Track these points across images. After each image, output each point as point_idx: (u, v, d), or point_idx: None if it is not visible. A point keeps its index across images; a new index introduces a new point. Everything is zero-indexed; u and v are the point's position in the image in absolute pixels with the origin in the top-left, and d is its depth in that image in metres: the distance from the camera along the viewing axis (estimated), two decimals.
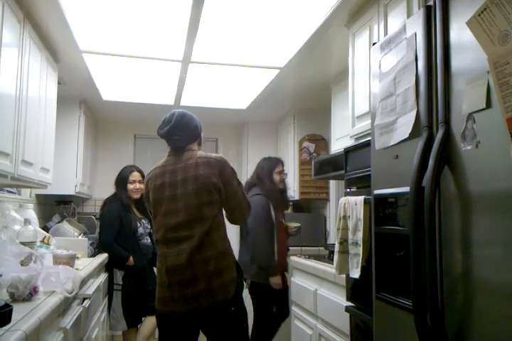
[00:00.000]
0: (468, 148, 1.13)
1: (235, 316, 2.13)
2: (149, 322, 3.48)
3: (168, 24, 2.54)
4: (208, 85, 3.73)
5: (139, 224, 3.50)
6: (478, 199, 1.11)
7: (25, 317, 1.40)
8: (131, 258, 3.34)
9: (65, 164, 3.80)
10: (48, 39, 2.76)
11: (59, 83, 3.22)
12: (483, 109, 1.09)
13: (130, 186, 3.50)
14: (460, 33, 1.19)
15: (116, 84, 3.79)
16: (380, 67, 1.62)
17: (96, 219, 4.18)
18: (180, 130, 2.26)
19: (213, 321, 2.10)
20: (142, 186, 3.53)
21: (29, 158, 2.45)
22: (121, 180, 3.53)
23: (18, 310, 1.42)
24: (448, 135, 1.21)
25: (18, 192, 3.29)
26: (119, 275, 3.38)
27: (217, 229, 2.16)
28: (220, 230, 2.18)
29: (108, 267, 3.41)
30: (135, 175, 3.54)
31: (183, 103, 4.22)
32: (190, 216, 2.12)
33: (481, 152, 1.10)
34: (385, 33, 2.15)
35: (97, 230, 4.07)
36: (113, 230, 3.36)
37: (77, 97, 4.03)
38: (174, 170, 2.21)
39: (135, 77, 3.53)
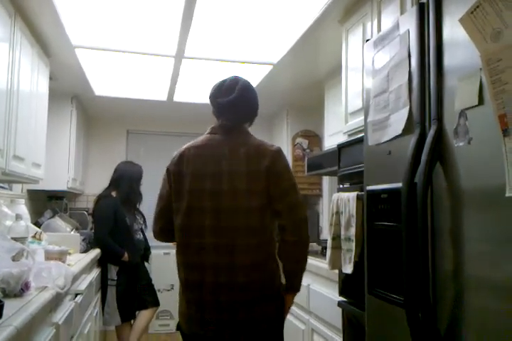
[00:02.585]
0: (461, 144, 1.14)
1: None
2: (143, 317, 3.49)
3: (162, 19, 2.53)
4: (202, 81, 3.72)
5: (133, 220, 3.52)
6: (470, 195, 1.12)
7: (16, 313, 1.39)
8: (126, 254, 3.34)
9: (56, 159, 3.78)
10: (40, 34, 2.74)
11: (50, 78, 3.19)
12: (476, 106, 1.09)
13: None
14: (453, 30, 1.20)
15: (108, 80, 3.77)
16: (373, 63, 1.62)
17: (88, 214, 4.17)
18: (242, 105, 1.84)
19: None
20: None
21: (20, 153, 2.43)
22: (138, 177, 3.60)
23: (10, 306, 1.41)
24: (440, 131, 1.22)
25: (10, 188, 3.27)
26: (113, 271, 3.38)
27: (268, 244, 1.76)
28: (270, 246, 1.77)
29: (102, 262, 3.41)
30: None
31: (176, 99, 4.21)
32: (234, 222, 1.70)
33: (473, 148, 1.10)
34: (379, 30, 2.15)
35: (90, 226, 4.07)
36: (108, 225, 3.35)
37: (69, 92, 4.00)
38: (218, 155, 1.75)
39: (128, 73, 3.51)
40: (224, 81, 1.88)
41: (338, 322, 2.24)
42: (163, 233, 1.90)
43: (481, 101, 1.08)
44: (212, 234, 1.71)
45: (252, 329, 1.70)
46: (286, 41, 2.84)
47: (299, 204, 1.80)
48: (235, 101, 1.81)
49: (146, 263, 3.68)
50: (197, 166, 1.77)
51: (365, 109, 1.66)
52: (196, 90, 3.99)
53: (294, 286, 1.83)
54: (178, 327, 1.84)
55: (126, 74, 3.55)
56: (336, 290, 2.28)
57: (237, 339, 1.70)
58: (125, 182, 3.53)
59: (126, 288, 3.37)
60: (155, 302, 3.58)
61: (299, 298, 2.95)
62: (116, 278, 3.37)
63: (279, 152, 1.79)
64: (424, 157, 1.22)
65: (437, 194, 1.24)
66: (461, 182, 1.15)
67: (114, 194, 3.50)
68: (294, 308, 3.04)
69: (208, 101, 1.90)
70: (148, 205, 4.26)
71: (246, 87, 1.86)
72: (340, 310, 2.20)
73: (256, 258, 1.71)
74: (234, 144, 1.78)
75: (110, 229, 3.36)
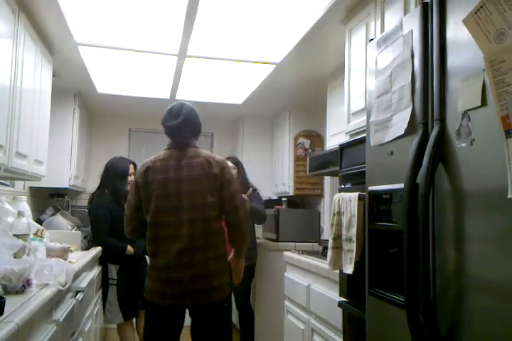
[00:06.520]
0: (463, 145, 1.14)
1: (226, 311, 2.30)
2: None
3: (165, 17, 2.53)
4: (204, 80, 3.72)
5: None
6: (472, 196, 1.11)
7: (17, 310, 1.39)
8: (129, 247, 3.31)
9: (59, 157, 3.78)
10: (43, 31, 2.74)
11: (53, 75, 3.20)
12: (479, 107, 1.09)
13: (129, 178, 3.48)
14: (456, 31, 1.19)
15: (111, 77, 3.78)
16: (376, 63, 1.62)
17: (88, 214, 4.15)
18: (188, 126, 2.27)
19: (208, 315, 2.24)
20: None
21: (23, 150, 2.44)
22: (123, 172, 3.44)
23: (11, 303, 1.41)
24: (443, 132, 1.22)
25: (12, 185, 3.28)
26: (113, 270, 3.36)
27: (219, 232, 2.25)
28: (221, 233, 2.26)
29: (102, 261, 3.40)
30: (131, 167, 3.54)
31: (178, 97, 4.21)
32: (193, 215, 2.16)
33: (475, 149, 1.10)
34: (382, 30, 2.14)
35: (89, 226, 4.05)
36: (105, 225, 3.30)
37: (71, 90, 4.01)
38: (179, 165, 2.21)
39: (131, 71, 3.52)
40: (172, 107, 2.30)
41: (339, 322, 2.24)
42: (135, 231, 2.37)
43: (484, 102, 1.08)
44: (177, 227, 2.16)
45: (209, 298, 2.17)
46: (289, 41, 2.83)
47: (242, 206, 2.28)
48: (181, 124, 2.25)
49: (146, 257, 3.65)
50: (162, 175, 2.21)
51: (368, 109, 1.66)
52: (199, 89, 3.99)
53: (239, 254, 2.37)
54: (150, 306, 2.24)
55: (129, 72, 3.56)
56: (336, 291, 2.28)
57: (196, 307, 2.20)
58: (110, 178, 3.42)
59: (127, 287, 3.35)
60: None
61: (299, 297, 2.96)
62: (116, 278, 3.35)
63: (226, 163, 2.31)
64: (426, 158, 1.22)
65: (439, 195, 1.23)
66: (463, 183, 1.14)
67: (107, 191, 3.44)
68: (294, 308, 3.04)
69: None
70: None
71: (189, 111, 2.29)
72: (340, 310, 2.20)
73: (211, 241, 2.19)
74: (190, 156, 2.23)
75: (109, 228, 3.32)
